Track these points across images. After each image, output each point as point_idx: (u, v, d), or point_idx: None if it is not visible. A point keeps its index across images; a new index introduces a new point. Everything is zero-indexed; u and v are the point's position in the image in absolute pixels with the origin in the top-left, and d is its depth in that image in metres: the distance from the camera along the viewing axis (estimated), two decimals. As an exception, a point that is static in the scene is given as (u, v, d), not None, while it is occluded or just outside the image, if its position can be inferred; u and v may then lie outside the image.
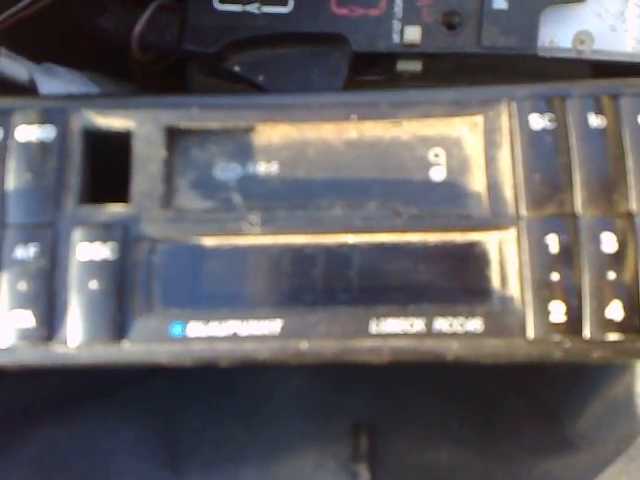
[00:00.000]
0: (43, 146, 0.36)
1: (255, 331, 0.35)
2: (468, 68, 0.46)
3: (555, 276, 0.35)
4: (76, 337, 0.35)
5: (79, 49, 0.45)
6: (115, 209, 0.36)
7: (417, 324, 0.35)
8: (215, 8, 0.44)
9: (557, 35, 0.43)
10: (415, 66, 0.44)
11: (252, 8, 0.44)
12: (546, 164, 0.36)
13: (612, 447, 0.41)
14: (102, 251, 0.35)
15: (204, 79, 0.48)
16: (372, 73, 0.46)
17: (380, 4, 0.44)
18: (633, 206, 0.35)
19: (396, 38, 0.43)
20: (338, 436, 0.46)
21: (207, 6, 0.44)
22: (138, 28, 0.44)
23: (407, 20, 0.43)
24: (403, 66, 0.45)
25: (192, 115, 0.37)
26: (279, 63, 0.45)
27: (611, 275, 0.35)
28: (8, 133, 0.36)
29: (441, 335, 0.35)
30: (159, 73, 0.48)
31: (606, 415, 0.44)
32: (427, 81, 0.45)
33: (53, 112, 0.37)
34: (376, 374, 0.43)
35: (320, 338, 0.35)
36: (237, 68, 0.45)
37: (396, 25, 0.43)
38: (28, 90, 0.42)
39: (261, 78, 0.44)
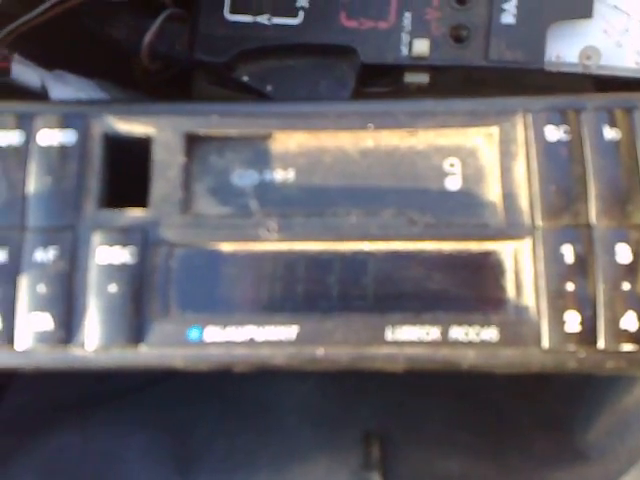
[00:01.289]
0: (64, 150, 0.36)
1: (271, 337, 0.35)
2: (475, 81, 0.46)
3: (570, 286, 0.35)
4: (94, 340, 0.35)
5: (89, 57, 0.45)
6: (134, 213, 0.36)
7: (433, 332, 0.35)
8: (226, 18, 0.44)
9: (564, 50, 0.44)
10: (422, 78, 0.45)
11: (262, 19, 0.44)
12: (561, 175, 0.36)
13: (623, 458, 0.42)
14: (121, 255, 0.36)
15: (210, 88, 0.49)
16: (379, 85, 0.46)
17: (389, 17, 0.44)
18: None
19: (404, 50, 0.44)
20: (350, 444, 0.46)
21: (218, 16, 0.44)
22: (148, 38, 0.44)
23: (416, 33, 0.44)
24: (410, 78, 0.45)
25: (211, 122, 0.37)
26: (287, 74, 0.45)
27: (626, 286, 0.35)
28: (30, 137, 0.37)
29: (457, 344, 0.35)
30: (164, 82, 0.48)
31: (617, 426, 0.44)
32: (434, 94, 0.46)
33: (74, 117, 0.37)
34: (388, 383, 0.43)
35: (336, 345, 0.35)
36: (246, 78, 0.45)
37: (405, 38, 0.44)
38: (40, 96, 0.42)
39: (269, 88, 0.45)
